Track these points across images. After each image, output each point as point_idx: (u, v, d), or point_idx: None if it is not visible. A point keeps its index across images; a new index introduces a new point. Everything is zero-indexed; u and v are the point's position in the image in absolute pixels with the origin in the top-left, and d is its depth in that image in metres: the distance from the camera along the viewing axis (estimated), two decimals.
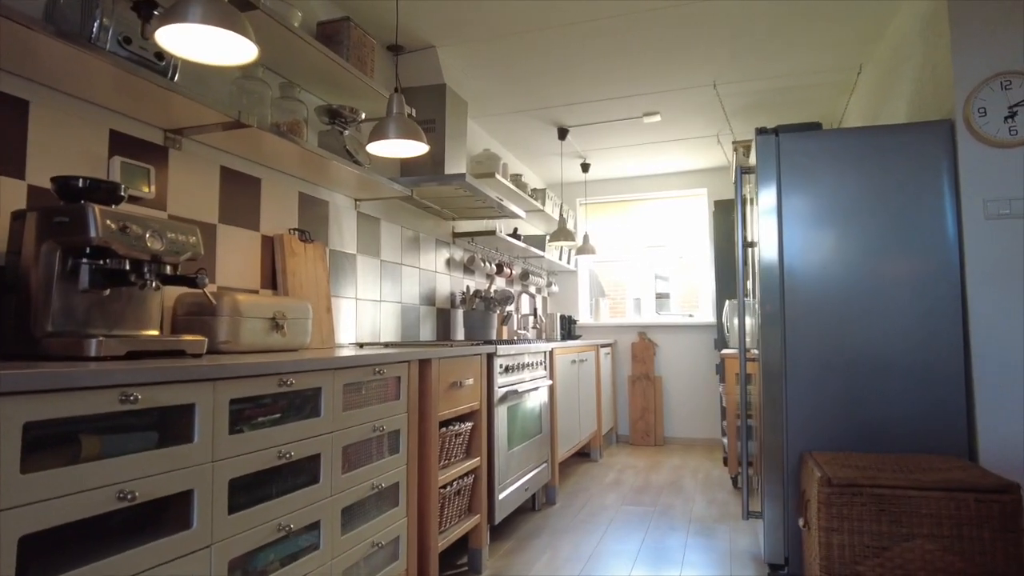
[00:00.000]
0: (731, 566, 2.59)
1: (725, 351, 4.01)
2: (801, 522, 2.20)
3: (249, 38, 1.42)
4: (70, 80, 1.54)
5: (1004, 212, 2.25)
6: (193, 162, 2.01)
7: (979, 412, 2.23)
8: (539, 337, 5.17)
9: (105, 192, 1.43)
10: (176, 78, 1.67)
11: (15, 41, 1.34)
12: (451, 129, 3.25)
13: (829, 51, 3.29)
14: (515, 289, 4.96)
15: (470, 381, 2.49)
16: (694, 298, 5.74)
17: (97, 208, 1.34)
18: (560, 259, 5.30)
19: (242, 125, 1.85)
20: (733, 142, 3.71)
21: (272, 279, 2.32)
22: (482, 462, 2.58)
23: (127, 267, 1.41)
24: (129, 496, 1.06)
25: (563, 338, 5.36)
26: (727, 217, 4.77)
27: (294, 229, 2.45)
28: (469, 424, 2.51)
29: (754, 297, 2.85)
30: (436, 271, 3.66)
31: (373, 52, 2.70)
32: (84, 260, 1.36)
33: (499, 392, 2.75)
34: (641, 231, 5.86)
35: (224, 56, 1.50)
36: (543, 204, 4.86)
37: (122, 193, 1.46)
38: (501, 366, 2.82)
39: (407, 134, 2.24)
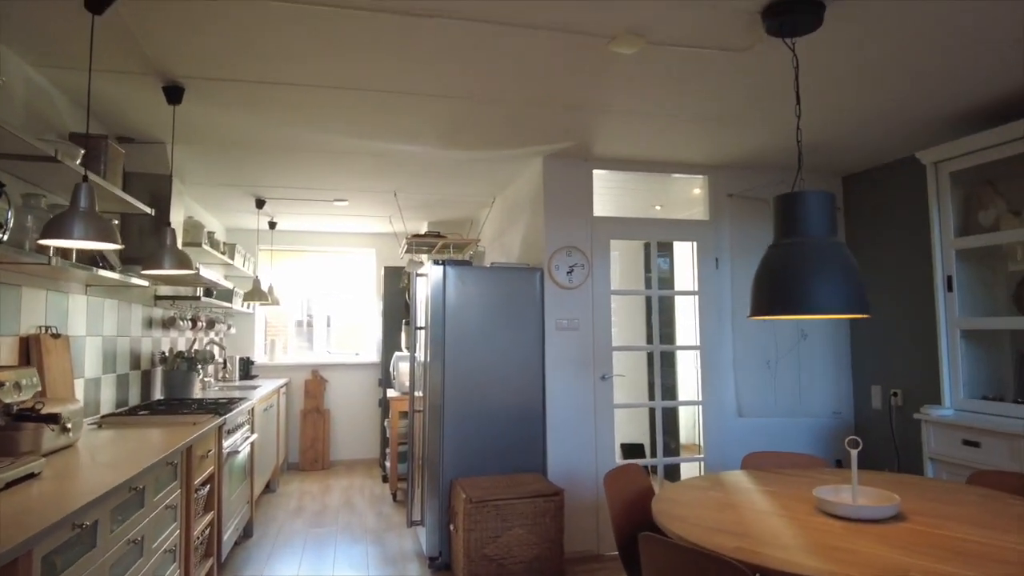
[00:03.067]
0: (403, 562, 3.68)
1: (391, 393, 5.13)
2: (452, 527, 3.41)
3: (117, 242, 1.93)
4: None
5: (563, 326, 3.85)
6: None
7: (548, 445, 3.77)
8: (217, 378, 5.53)
9: None
10: (6, 237, 1.99)
11: None
12: (173, 215, 3.63)
13: (476, 185, 4.69)
14: (204, 337, 5.26)
15: (211, 451, 3.06)
16: (360, 338, 6.77)
17: None
18: (241, 304, 5.74)
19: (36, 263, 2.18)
20: (407, 238, 4.87)
21: None
22: (215, 515, 3.15)
23: None
24: None
25: (242, 378, 5.83)
26: (395, 281, 5.92)
27: (44, 327, 2.67)
28: (208, 486, 3.06)
29: (418, 354, 4.01)
30: (141, 336, 3.91)
31: (122, 160, 3.03)
32: None
33: (224, 454, 3.33)
34: (318, 277, 6.65)
35: (97, 246, 1.95)
36: (232, 258, 5.29)
37: None
38: (226, 431, 3.39)
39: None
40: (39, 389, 1.94)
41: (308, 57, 2.48)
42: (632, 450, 5.95)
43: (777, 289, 1.98)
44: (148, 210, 3.06)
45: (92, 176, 2.49)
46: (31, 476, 1.88)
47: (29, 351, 2.56)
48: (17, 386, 1.81)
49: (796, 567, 1.53)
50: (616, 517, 2.31)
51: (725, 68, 2.60)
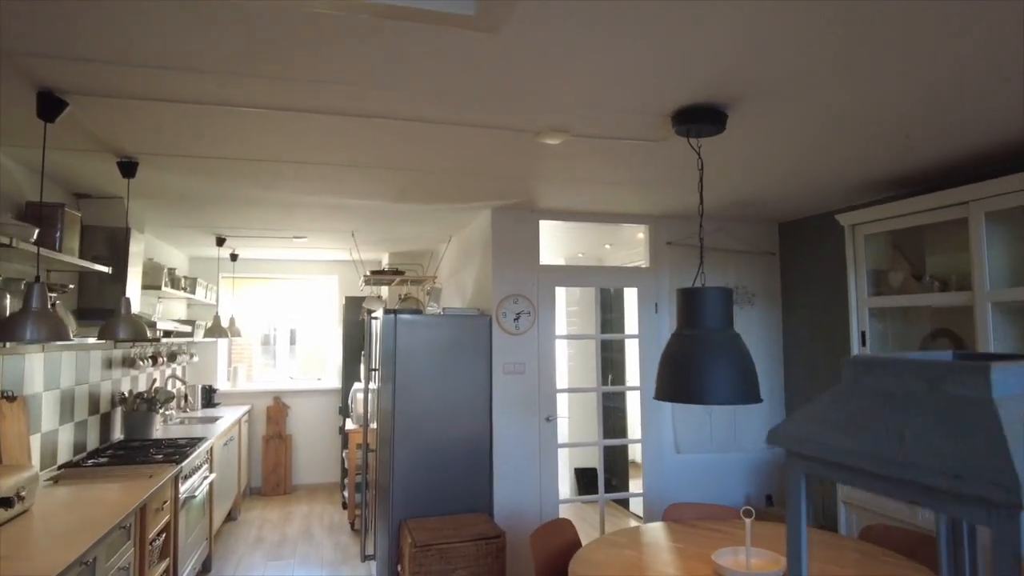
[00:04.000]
0: None
1: (349, 426, 5.28)
2: (399, 568, 3.59)
3: (68, 338, 2.07)
4: None
5: (510, 371, 4.05)
6: None
7: (495, 485, 3.97)
8: (179, 408, 5.63)
9: None
10: None
11: None
12: (131, 267, 3.75)
13: (431, 228, 4.87)
14: (167, 370, 5.36)
15: (167, 502, 3.19)
16: (322, 361, 6.91)
17: None
18: (203, 337, 5.83)
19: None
20: (365, 275, 5.02)
21: None
22: (171, 561, 3.29)
23: None
24: None
25: (204, 406, 5.93)
26: (355, 311, 6.07)
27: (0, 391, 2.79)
28: (164, 535, 3.20)
29: (371, 392, 4.18)
30: (100, 380, 4.01)
31: (79, 222, 3.15)
32: None
33: (181, 499, 3.47)
34: (280, 302, 6.77)
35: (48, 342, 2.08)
36: (194, 291, 5.39)
37: None
38: (182, 476, 3.52)
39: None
40: None
41: (259, 142, 2.64)
42: (586, 474, 6.19)
43: (677, 377, 2.20)
44: (105, 269, 3.19)
45: (47, 252, 2.62)
46: None
47: None
48: None
49: None
50: (539, 574, 2.52)
51: (646, 152, 2.82)
